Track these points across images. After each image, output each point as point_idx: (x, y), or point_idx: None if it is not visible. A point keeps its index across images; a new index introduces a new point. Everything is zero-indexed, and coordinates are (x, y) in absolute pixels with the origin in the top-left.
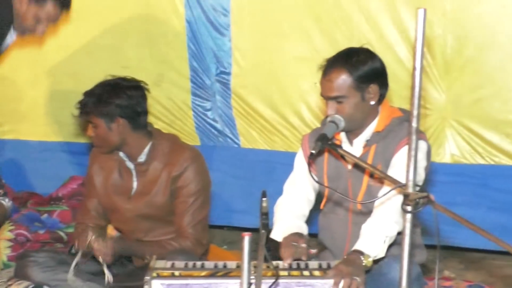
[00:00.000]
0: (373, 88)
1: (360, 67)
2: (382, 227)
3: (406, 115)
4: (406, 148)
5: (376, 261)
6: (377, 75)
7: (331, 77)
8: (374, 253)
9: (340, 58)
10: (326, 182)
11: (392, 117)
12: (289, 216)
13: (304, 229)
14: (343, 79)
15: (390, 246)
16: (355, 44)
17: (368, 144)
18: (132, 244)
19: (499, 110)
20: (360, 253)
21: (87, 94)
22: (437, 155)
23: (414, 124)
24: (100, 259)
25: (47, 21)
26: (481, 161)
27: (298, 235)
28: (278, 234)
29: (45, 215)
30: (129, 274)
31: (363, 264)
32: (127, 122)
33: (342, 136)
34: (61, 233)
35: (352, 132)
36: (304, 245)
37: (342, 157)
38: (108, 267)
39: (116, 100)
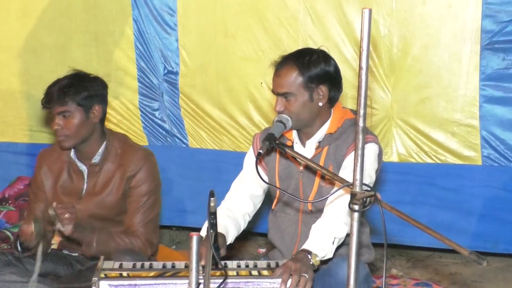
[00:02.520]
0: (323, 90)
1: (311, 67)
2: (331, 228)
3: None
4: None
5: (324, 261)
6: (328, 77)
7: (281, 73)
8: (322, 253)
9: (294, 56)
10: (277, 182)
11: (345, 119)
12: (222, 214)
13: (231, 229)
14: (292, 77)
15: (339, 246)
16: (301, 45)
17: (320, 145)
18: (86, 227)
19: (444, 109)
20: (308, 252)
21: (59, 84)
22: (385, 154)
23: (360, 124)
24: (60, 227)
25: None
26: (428, 160)
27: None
28: (203, 230)
29: None
30: (77, 275)
31: (311, 263)
32: (102, 110)
33: (295, 137)
34: (7, 232)
35: (304, 133)
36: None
37: (294, 157)
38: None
39: (94, 86)
